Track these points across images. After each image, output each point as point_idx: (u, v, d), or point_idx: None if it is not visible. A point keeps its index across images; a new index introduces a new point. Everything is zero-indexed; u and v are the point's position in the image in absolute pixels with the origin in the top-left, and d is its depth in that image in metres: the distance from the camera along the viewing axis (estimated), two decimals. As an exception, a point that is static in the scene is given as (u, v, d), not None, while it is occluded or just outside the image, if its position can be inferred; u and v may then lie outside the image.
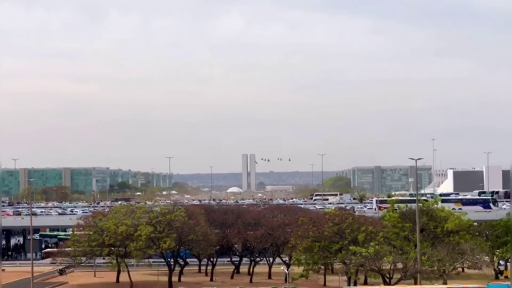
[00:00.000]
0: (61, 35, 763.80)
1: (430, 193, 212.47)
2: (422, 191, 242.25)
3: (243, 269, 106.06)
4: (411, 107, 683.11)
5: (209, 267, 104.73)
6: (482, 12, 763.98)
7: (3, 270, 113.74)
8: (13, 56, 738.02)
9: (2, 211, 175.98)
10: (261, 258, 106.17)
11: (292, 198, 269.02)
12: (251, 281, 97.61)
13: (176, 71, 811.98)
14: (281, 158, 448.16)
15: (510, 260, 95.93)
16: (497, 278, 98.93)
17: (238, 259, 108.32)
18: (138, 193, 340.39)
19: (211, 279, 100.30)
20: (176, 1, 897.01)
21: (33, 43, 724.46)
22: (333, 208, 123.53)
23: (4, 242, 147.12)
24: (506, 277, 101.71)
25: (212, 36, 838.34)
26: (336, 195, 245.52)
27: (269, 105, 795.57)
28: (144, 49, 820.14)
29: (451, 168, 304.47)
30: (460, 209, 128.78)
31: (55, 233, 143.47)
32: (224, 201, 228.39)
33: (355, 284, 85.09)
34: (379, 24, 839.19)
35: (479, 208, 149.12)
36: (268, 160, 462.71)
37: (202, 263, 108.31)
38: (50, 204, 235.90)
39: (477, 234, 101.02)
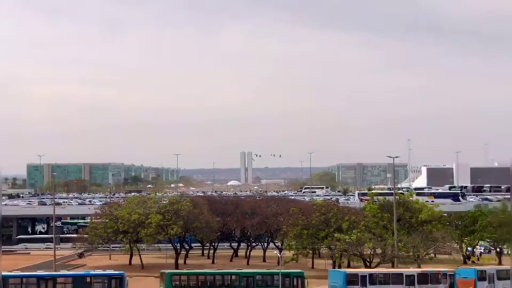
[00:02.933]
0: (83, 44, 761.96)
1: (406, 187, 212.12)
2: (399, 186, 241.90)
3: (241, 253, 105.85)
4: (391, 110, 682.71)
5: (211, 251, 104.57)
6: (453, 29, 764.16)
7: (28, 253, 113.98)
8: (41, 64, 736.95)
9: (29, 202, 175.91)
10: (257, 243, 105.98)
11: (284, 191, 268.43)
12: (248, 263, 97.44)
13: (183, 78, 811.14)
14: (274, 154, 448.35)
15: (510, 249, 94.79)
16: (465, 262, 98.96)
17: (236, 244, 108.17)
18: (149, 186, 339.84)
19: (213, 262, 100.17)
20: (186, 17, 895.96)
21: (58, 52, 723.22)
22: (320, 199, 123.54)
23: (30, 228, 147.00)
24: (473, 262, 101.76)
25: (217, 47, 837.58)
26: (322, 188, 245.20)
27: (265, 108, 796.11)
28: (156, 59, 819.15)
29: (424, 165, 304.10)
30: (432, 201, 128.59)
31: (75, 221, 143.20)
32: (224, 193, 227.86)
33: (339, 267, 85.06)
34: (364, 38, 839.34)
35: (449, 200, 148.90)
36: (260, 156, 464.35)
37: (205, 247, 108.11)
38: (71, 195, 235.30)
39: (447, 223, 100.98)
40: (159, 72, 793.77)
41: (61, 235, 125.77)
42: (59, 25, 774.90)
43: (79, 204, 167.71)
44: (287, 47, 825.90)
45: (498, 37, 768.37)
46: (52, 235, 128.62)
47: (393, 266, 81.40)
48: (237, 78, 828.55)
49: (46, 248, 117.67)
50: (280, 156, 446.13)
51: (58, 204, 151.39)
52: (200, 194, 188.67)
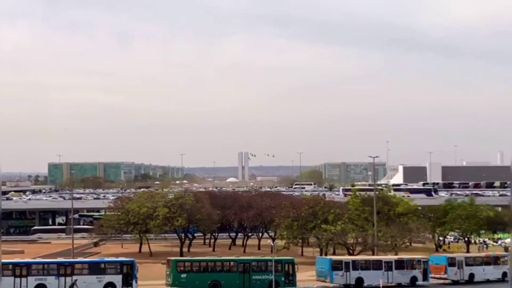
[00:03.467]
0: (98, 55, 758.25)
1: (385, 184, 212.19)
2: (379, 182, 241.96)
3: (238, 242, 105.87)
4: (371, 115, 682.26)
5: (212, 240, 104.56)
6: (427, 42, 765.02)
7: (49, 242, 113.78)
8: (60, 72, 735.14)
9: (55, 197, 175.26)
10: (252, 233, 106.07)
11: (276, 187, 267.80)
12: (244, 251, 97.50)
13: (187, 85, 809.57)
14: (268, 154, 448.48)
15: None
16: (437, 250, 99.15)
17: (234, 234, 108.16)
18: (157, 182, 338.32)
19: (213, 250, 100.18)
20: (190, 31, 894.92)
21: (76, 62, 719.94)
22: (308, 194, 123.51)
23: (51, 220, 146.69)
24: (444, 250, 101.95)
25: (217, 58, 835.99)
26: (311, 184, 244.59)
27: (260, 112, 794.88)
28: (163, 68, 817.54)
29: (401, 164, 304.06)
30: (408, 196, 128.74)
31: (91, 213, 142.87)
32: (224, 188, 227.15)
33: (326, 254, 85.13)
34: (347, 51, 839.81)
35: (423, 195, 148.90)
36: (255, 156, 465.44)
37: (206, 237, 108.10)
38: (87, 190, 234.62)
39: (421, 216, 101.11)
40: (166, 79, 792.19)
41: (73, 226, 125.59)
42: (76, 39, 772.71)
43: (94, 198, 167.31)
44: (280, 58, 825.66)
45: (468, 48, 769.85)
46: (64, 227, 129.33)
47: (373, 254, 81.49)
48: (235, 86, 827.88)
49: (58, 238, 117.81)
50: (273, 156, 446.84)
51: (79, 199, 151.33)
52: (202, 189, 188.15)
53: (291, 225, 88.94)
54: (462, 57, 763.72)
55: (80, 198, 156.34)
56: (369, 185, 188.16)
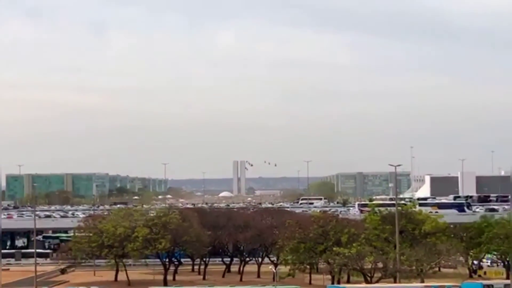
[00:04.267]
0: (65, 49, 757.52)
1: (409, 198, 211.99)
2: (401, 196, 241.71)
3: (234, 268, 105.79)
4: (392, 116, 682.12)
5: (202, 267, 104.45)
6: (457, 31, 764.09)
7: (8, 269, 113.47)
8: (20, 68, 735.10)
9: (8, 214, 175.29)
10: (251, 258, 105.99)
11: (279, 202, 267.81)
12: (241, 279, 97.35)
13: (171, 83, 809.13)
14: (269, 162, 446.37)
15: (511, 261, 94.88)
16: (471, 276, 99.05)
17: (229, 259, 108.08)
18: (136, 197, 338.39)
19: (204, 278, 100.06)
20: (174, 18, 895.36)
21: (39, 57, 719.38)
22: (318, 211, 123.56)
23: (9, 243, 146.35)
24: (480, 275, 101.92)
25: (207, 51, 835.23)
26: (321, 199, 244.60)
27: (258, 114, 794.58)
28: (143, 63, 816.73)
29: (428, 174, 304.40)
30: (436, 212, 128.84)
31: (57, 234, 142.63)
32: (216, 204, 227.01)
33: (338, 283, 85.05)
34: (362, 39, 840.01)
35: (454, 211, 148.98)
36: (252, 165, 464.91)
37: (195, 262, 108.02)
38: (52, 207, 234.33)
39: (452, 235, 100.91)
40: (147, 76, 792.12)
41: (22, 251, 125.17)
42: (39, 27, 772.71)
43: (62, 216, 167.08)
44: (281, 49, 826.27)
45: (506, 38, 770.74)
46: (13, 251, 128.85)
47: (395, 281, 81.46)
48: (228, 82, 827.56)
49: (7, 263, 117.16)
50: (275, 165, 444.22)
51: (45, 217, 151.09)
52: (190, 206, 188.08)
53: (297, 247, 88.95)
54: (499, 48, 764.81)
55: (45, 216, 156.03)
56: (390, 199, 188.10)
